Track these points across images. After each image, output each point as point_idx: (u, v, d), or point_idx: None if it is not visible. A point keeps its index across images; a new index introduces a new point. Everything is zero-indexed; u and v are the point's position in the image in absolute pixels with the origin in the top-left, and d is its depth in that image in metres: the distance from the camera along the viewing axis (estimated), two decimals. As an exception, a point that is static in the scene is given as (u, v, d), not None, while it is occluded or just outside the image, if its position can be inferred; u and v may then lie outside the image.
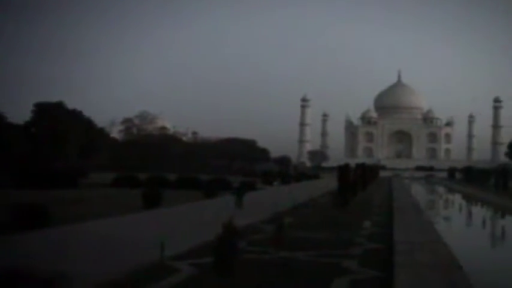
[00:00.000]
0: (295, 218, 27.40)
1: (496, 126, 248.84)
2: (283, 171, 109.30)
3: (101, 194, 44.80)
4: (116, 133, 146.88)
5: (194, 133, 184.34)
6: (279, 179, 77.91)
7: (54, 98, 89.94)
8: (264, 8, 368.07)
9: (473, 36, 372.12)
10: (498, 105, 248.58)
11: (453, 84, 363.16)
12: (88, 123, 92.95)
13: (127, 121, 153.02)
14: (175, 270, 13.94)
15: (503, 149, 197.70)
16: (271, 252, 16.90)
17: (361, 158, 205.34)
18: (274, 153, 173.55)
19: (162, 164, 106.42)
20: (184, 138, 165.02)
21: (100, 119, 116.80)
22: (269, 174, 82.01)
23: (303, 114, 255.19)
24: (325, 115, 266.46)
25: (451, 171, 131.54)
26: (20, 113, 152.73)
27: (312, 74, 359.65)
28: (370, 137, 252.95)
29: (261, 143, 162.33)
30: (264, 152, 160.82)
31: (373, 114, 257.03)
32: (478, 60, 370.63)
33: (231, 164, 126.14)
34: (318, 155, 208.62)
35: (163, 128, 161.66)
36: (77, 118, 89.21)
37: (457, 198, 58.83)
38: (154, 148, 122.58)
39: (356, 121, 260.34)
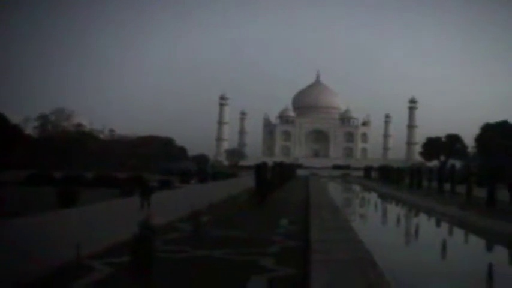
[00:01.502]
0: (212, 216, 27.36)
1: (411, 126, 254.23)
2: (201, 169, 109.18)
3: (14, 192, 43.75)
4: (30, 130, 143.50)
5: (111, 130, 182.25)
6: (197, 178, 77.77)
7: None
8: (184, 5, 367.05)
9: (389, 36, 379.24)
10: (413, 105, 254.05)
11: (370, 84, 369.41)
12: (1, 120, 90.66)
13: (42, 117, 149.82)
14: (91, 270, 13.74)
15: (418, 148, 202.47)
16: (188, 251, 16.83)
17: (278, 156, 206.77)
18: (192, 151, 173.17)
19: (79, 161, 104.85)
20: (101, 136, 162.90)
21: (14, 116, 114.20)
22: (187, 173, 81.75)
23: (221, 112, 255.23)
24: (243, 113, 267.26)
25: (367, 170, 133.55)
26: None
27: (230, 72, 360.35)
28: (287, 135, 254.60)
29: (179, 141, 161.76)
30: (182, 150, 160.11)
31: (291, 113, 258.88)
32: (394, 60, 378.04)
33: (149, 162, 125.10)
34: (236, 154, 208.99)
35: (80, 125, 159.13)
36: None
37: (373, 197, 59.90)
38: (71, 145, 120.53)
39: (274, 120, 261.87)
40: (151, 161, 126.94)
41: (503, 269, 19.37)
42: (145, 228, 12.33)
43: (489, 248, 25.07)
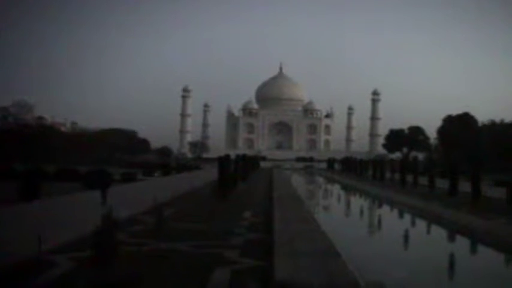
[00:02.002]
0: (175, 209, 27.31)
1: (374, 118, 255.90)
2: (164, 162, 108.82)
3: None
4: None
5: (73, 123, 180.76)
6: (160, 170, 77.48)
7: None
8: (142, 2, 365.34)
9: (352, 28, 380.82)
10: (376, 98, 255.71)
11: (333, 76, 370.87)
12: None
13: (2, 110, 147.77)
14: (53, 264, 13.62)
15: (381, 140, 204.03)
16: (152, 244, 16.79)
17: (242, 149, 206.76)
18: (155, 144, 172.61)
19: (41, 155, 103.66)
20: (63, 129, 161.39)
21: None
22: (150, 166, 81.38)
23: (184, 104, 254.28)
24: (206, 106, 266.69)
25: (330, 162, 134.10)
26: None
27: (193, 64, 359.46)
28: (251, 128, 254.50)
29: (142, 134, 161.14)
30: (145, 142, 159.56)
31: (254, 106, 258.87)
32: (357, 53, 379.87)
33: (112, 155, 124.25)
34: (199, 146, 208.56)
35: (41, 117, 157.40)
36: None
37: (336, 188, 60.19)
38: (33, 138, 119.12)
39: (237, 112, 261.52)
40: (114, 154, 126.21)
41: (463, 258, 19.64)
42: (107, 222, 12.24)
43: (450, 237, 25.35)
